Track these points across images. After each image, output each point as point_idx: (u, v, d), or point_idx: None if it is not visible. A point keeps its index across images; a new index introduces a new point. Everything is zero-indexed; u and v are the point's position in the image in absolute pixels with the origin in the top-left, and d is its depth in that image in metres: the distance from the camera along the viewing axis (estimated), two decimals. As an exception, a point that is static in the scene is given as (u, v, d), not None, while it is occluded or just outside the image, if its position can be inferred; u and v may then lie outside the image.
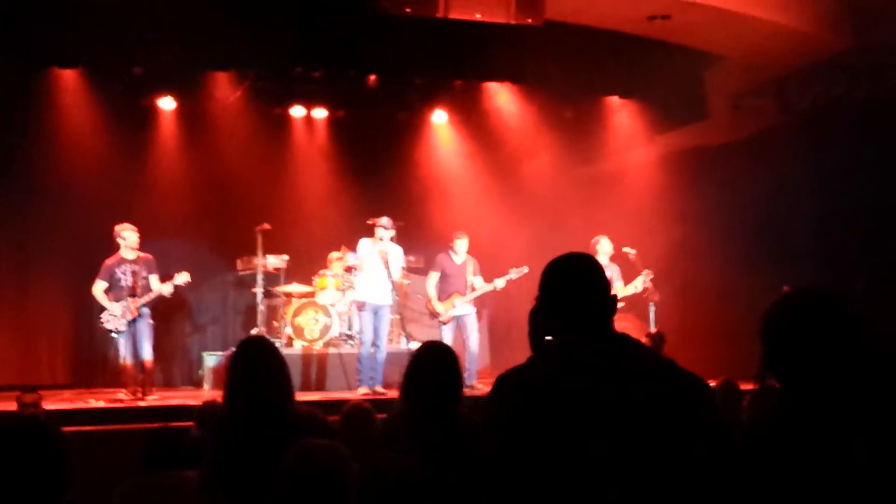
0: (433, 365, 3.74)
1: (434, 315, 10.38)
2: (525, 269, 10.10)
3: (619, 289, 10.36)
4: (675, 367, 2.36)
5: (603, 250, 10.38)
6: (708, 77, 11.24)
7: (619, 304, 9.35)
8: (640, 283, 10.38)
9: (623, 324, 10.52)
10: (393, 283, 9.87)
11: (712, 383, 6.52)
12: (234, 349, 4.11)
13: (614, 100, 11.71)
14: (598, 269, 2.48)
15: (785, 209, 10.71)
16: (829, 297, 2.30)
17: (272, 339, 10.67)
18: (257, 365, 3.85)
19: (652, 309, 10.46)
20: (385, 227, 9.86)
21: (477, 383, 9.93)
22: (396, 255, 10.05)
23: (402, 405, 3.81)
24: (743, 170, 11.14)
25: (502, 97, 11.91)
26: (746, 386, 6.29)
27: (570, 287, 2.44)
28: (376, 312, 9.86)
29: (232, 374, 3.92)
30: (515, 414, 2.30)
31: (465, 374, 10.13)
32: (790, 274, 9.32)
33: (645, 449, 2.16)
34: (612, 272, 10.36)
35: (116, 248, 9.61)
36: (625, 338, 2.40)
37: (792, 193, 10.64)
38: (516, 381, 2.37)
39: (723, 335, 10.78)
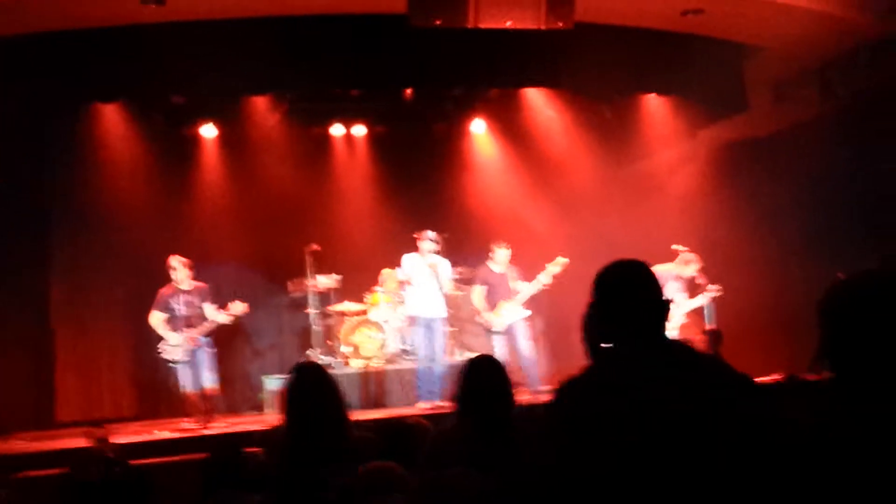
0: (480, 379, 3.74)
1: (487, 328, 10.30)
2: (563, 260, 9.99)
3: (684, 302, 10.30)
4: (729, 372, 2.36)
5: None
6: (747, 68, 11.12)
7: (685, 320, 9.07)
8: (702, 299, 10.25)
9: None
10: (444, 295, 9.88)
11: (776, 377, 6.48)
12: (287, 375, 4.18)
13: (652, 97, 11.62)
14: (649, 275, 2.51)
15: (833, 197, 10.57)
16: (888, 280, 2.26)
17: (329, 359, 10.88)
18: (309, 390, 3.91)
19: (709, 305, 10.28)
20: (431, 241, 9.89)
21: (540, 388, 9.75)
22: (444, 267, 10.07)
23: (456, 420, 3.83)
24: (788, 160, 11.02)
25: (539, 102, 11.90)
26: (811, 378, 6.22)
27: (623, 294, 2.48)
28: (429, 326, 9.89)
29: (287, 402, 3.99)
30: (574, 424, 2.33)
31: (528, 380, 10.09)
32: (843, 262, 9.19)
33: (703, 456, 2.17)
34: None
35: (171, 277, 9.76)
36: (678, 344, 2.42)
37: (840, 180, 10.50)
38: (574, 392, 2.41)
39: (780, 327, 10.66)
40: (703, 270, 10.17)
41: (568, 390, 2.44)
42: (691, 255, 10.23)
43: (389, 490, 2.98)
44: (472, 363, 3.87)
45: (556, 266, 10.04)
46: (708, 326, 9.95)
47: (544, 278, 10.13)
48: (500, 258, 10.28)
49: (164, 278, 9.80)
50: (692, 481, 2.15)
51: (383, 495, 2.92)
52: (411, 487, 2.80)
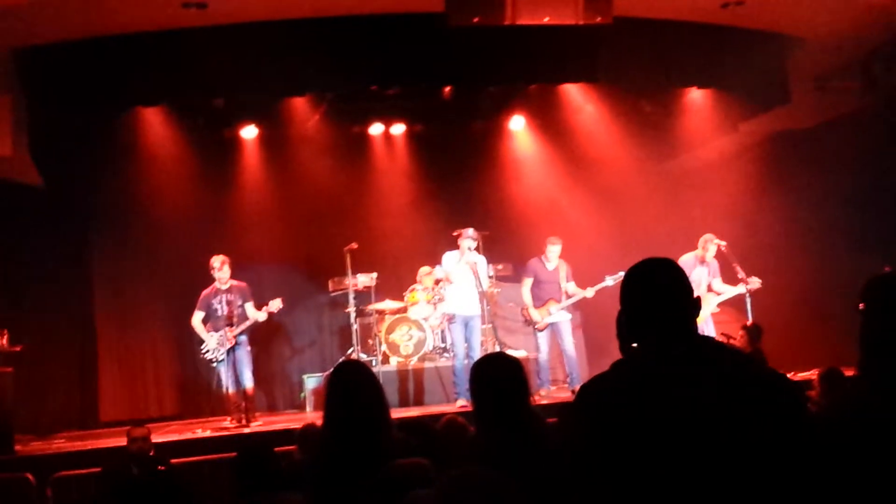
0: (493, 375, 3.69)
1: (530, 322, 10.34)
2: (621, 275, 9.82)
3: (718, 286, 10.21)
4: (758, 369, 2.32)
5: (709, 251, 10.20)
6: (788, 60, 10.95)
7: (716, 309, 8.98)
8: (740, 289, 10.10)
9: (720, 316, 10.31)
10: (482, 292, 9.88)
11: (816, 371, 6.40)
12: (329, 372, 4.18)
13: (693, 91, 11.44)
14: (678, 273, 2.45)
15: (877, 189, 10.40)
16: None
17: (368, 358, 10.90)
18: (352, 389, 3.92)
19: (748, 299, 10.19)
20: (471, 238, 9.88)
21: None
22: (483, 265, 10.07)
23: (474, 417, 3.80)
24: (831, 152, 10.86)
25: (578, 98, 11.80)
26: (851, 372, 6.15)
27: (651, 292, 2.42)
28: (466, 324, 9.89)
29: (328, 400, 4.00)
30: (597, 424, 2.30)
31: (568, 379, 10.15)
32: (889, 255, 9.07)
33: (729, 453, 2.12)
34: (711, 269, 10.24)
35: (213, 278, 9.83)
36: (707, 341, 2.38)
37: (883, 172, 10.32)
38: (597, 392, 2.37)
39: (823, 321, 10.52)
40: (743, 263, 10.04)
41: (590, 388, 2.41)
42: (710, 236, 10.16)
43: (417, 485, 2.96)
44: (481, 361, 3.83)
45: (613, 280, 9.97)
46: (748, 321, 9.83)
47: (590, 292, 10.22)
48: (552, 254, 10.34)
49: (206, 279, 9.89)
50: (711, 479, 2.10)
51: (410, 490, 2.91)
52: (436, 484, 2.78)
